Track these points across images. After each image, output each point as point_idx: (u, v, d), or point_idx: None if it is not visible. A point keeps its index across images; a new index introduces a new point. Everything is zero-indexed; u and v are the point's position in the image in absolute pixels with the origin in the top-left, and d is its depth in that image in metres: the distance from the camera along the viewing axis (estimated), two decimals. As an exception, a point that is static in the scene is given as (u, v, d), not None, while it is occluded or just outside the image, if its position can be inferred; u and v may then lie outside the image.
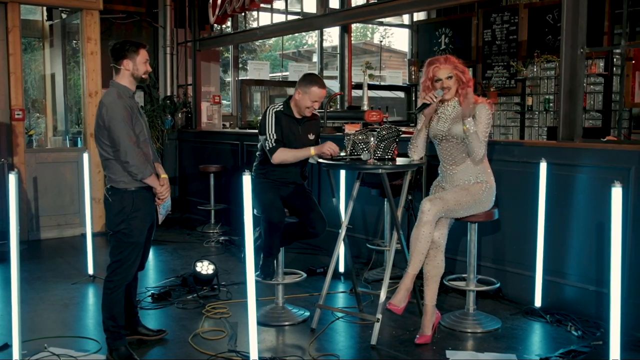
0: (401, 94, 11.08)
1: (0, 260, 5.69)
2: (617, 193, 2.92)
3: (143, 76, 3.54)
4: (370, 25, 20.01)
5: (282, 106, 4.22)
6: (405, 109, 10.37)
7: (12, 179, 3.16)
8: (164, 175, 3.62)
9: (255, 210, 4.18)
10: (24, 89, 6.90)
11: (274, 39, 13.89)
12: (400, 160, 4.02)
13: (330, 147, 4.03)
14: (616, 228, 2.96)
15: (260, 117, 4.21)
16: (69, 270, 5.47)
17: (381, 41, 16.30)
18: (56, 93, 8.18)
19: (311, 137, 4.29)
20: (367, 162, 3.88)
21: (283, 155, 4.07)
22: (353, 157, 4.00)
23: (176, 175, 8.78)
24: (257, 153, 4.33)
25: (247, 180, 3.13)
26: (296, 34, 21.86)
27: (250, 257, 3.14)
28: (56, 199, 6.90)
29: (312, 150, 4.09)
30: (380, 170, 3.80)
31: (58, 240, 6.79)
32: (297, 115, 4.22)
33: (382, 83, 11.75)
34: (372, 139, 3.92)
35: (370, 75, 6.55)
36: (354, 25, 23.28)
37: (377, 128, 4.09)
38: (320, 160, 4.04)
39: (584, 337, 3.83)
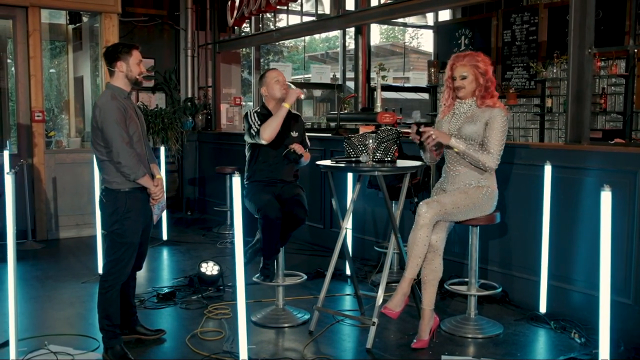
0: (426, 95, 11.01)
1: (19, 258, 5.78)
2: (606, 197, 2.84)
3: (138, 77, 3.57)
4: (397, 27, 19.85)
5: (259, 109, 4.35)
6: (430, 111, 10.29)
7: (8, 179, 3.22)
8: (158, 176, 3.65)
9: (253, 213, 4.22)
10: (46, 91, 7.05)
11: (307, 40, 14.03)
12: (402, 163, 3.98)
13: (296, 93, 4.28)
14: (605, 232, 2.90)
15: (244, 121, 4.29)
16: (81, 270, 5.56)
17: (404, 42, 16.15)
18: (84, 95, 8.32)
19: (294, 134, 4.36)
20: (366, 164, 3.87)
21: (267, 128, 4.12)
22: (352, 159, 3.98)
23: (195, 176, 8.87)
24: (246, 160, 4.41)
25: (236, 181, 3.13)
26: (330, 36, 21.92)
27: (240, 256, 3.14)
28: (74, 199, 7.02)
29: (285, 105, 4.19)
30: (376, 173, 3.78)
31: (75, 239, 6.91)
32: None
33: (407, 84, 11.68)
34: (370, 140, 3.90)
35: (384, 77, 6.50)
36: (382, 27, 23.27)
37: (377, 130, 4.06)
38: (319, 163, 4.03)
39: (587, 344, 3.74)
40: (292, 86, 4.40)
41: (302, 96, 4.27)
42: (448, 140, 3.72)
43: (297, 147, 4.21)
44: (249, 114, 4.28)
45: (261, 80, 4.38)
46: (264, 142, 4.13)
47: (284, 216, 4.08)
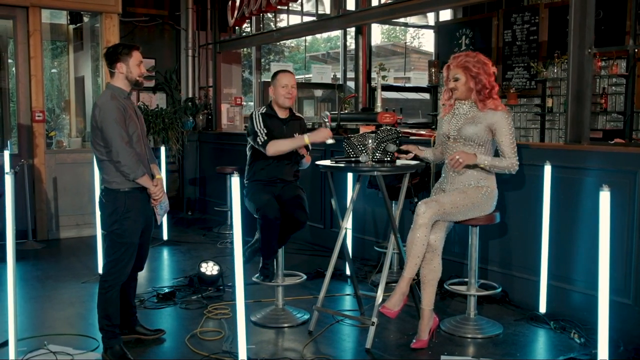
0: (427, 95, 11.01)
1: (19, 258, 5.78)
2: (605, 197, 2.85)
3: (138, 79, 3.57)
4: (398, 27, 19.85)
5: (265, 109, 4.29)
6: (431, 110, 10.30)
7: (7, 179, 3.22)
8: (158, 176, 3.65)
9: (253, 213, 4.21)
10: (47, 91, 7.04)
11: (309, 40, 14.04)
12: (401, 163, 3.98)
13: (325, 135, 4.08)
14: (604, 232, 2.90)
15: (248, 121, 4.26)
16: (81, 270, 5.56)
17: (406, 42, 16.14)
18: (85, 95, 8.33)
19: (297, 135, 4.28)
20: (365, 164, 3.86)
21: (276, 146, 4.09)
22: (352, 159, 3.98)
23: (196, 176, 8.87)
24: (247, 159, 4.38)
25: (235, 181, 3.13)
26: (332, 36, 21.94)
27: (239, 256, 3.15)
28: (75, 199, 7.02)
29: (306, 138, 4.09)
30: (375, 173, 3.78)
31: (76, 239, 6.91)
32: (281, 115, 4.28)
33: (408, 84, 11.68)
34: (369, 140, 3.90)
35: (384, 77, 6.48)
36: (384, 27, 23.27)
37: (377, 130, 4.06)
38: (318, 163, 4.03)
39: (586, 344, 3.74)
40: (327, 124, 4.24)
41: (330, 141, 4.11)
42: (475, 160, 3.71)
43: (299, 149, 4.20)
44: (254, 116, 4.21)
45: (272, 81, 4.30)
46: (267, 154, 4.11)
47: (284, 218, 4.07)
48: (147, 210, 3.61)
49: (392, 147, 3.88)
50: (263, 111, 4.26)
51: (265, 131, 4.13)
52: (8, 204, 3.24)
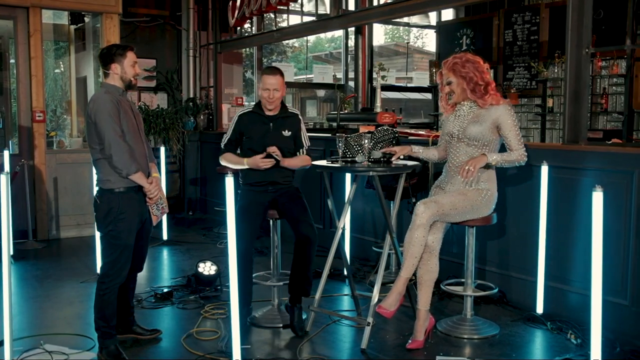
0: (429, 95, 11.01)
1: (19, 258, 5.80)
2: (597, 198, 2.85)
3: (132, 79, 3.57)
4: (402, 27, 19.84)
5: (253, 108, 4.22)
6: (432, 110, 10.30)
7: (3, 179, 3.23)
8: (155, 175, 3.65)
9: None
10: (50, 91, 7.05)
11: (313, 40, 14.04)
12: (398, 163, 3.97)
13: (262, 162, 3.96)
14: (597, 233, 2.90)
15: None
16: (80, 269, 5.57)
17: (408, 42, 16.12)
18: (87, 95, 8.34)
19: (286, 133, 4.16)
20: (362, 164, 3.86)
21: (224, 159, 4.18)
22: (348, 159, 3.98)
23: (197, 176, 8.89)
24: None
25: (229, 181, 3.14)
26: (336, 36, 21.91)
27: (233, 256, 3.15)
28: (75, 199, 7.03)
29: (245, 162, 4.05)
30: (371, 173, 3.77)
31: (77, 239, 6.92)
32: (269, 113, 4.16)
33: (410, 84, 11.68)
34: (365, 141, 3.90)
35: (384, 77, 6.49)
36: (387, 27, 23.24)
37: (373, 130, 4.06)
38: (314, 163, 4.02)
39: (583, 345, 3.73)
40: (277, 155, 3.98)
41: (262, 166, 4.00)
42: (485, 161, 3.69)
43: (273, 150, 4.02)
44: (234, 117, 4.19)
45: (260, 78, 4.25)
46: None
47: (296, 245, 4.00)
48: (143, 210, 3.60)
49: (377, 155, 3.87)
50: (246, 111, 4.20)
51: (227, 140, 4.18)
52: (3, 205, 3.25)
